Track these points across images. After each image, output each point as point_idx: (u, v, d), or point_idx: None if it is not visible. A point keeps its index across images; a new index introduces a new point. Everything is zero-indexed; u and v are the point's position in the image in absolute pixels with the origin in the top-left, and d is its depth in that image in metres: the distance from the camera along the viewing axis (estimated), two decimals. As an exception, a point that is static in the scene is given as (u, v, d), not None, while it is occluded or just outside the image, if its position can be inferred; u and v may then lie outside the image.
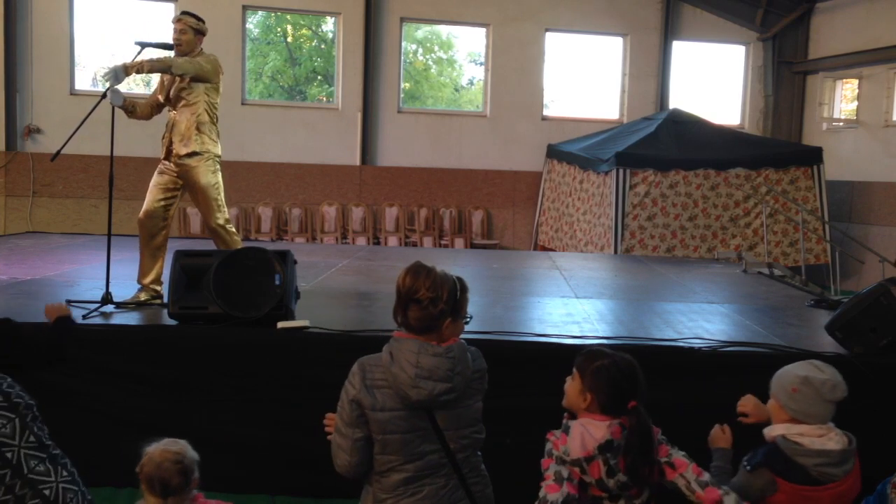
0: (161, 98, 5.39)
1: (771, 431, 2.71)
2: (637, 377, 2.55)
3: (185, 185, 5.35)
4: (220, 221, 5.38)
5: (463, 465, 2.42)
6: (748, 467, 2.67)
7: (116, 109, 5.07)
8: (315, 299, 5.53)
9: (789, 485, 2.60)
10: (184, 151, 5.24)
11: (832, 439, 2.64)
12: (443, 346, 2.38)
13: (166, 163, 5.33)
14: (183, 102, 5.27)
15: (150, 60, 5.04)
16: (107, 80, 4.91)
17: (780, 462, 2.62)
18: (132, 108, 5.29)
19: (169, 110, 5.40)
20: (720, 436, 2.96)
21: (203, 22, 5.35)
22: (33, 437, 2.61)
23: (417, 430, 2.35)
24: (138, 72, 5.01)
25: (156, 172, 5.38)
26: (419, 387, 2.31)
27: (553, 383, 4.48)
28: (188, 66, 5.13)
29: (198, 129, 5.26)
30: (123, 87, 5.21)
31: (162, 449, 2.47)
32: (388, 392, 2.33)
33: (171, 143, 5.29)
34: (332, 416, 2.57)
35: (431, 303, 2.36)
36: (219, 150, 5.42)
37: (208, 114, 5.33)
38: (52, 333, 3.46)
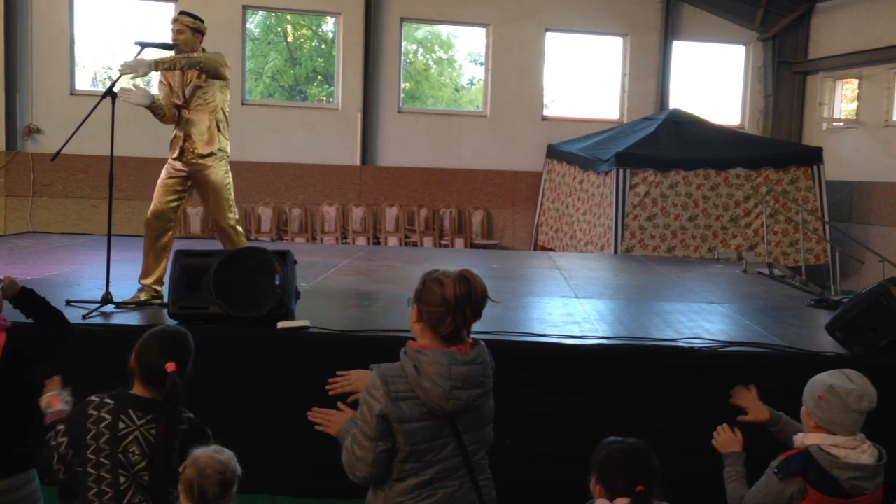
0: (177, 100, 5.32)
1: (805, 439, 2.70)
2: (637, 461, 2.38)
3: (196, 183, 5.36)
4: (231, 221, 5.43)
5: (474, 467, 2.41)
6: (780, 475, 2.65)
7: (116, 110, 5.04)
8: (315, 299, 5.53)
9: (819, 494, 2.60)
10: (206, 151, 5.26)
11: (865, 451, 2.63)
12: (470, 353, 2.37)
13: (176, 163, 5.31)
14: (199, 102, 5.28)
15: (185, 56, 5.08)
16: (126, 73, 4.95)
17: (814, 472, 2.61)
18: (162, 111, 5.26)
19: (178, 111, 5.33)
20: (732, 439, 2.95)
21: (201, 21, 5.33)
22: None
23: (441, 437, 2.34)
24: (170, 68, 5.05)
25: (164, 173, 5.37)
26: (456, 398, 2.30)
27: (553, 383, 4.51)
28: (213, 61, 5.18)
29: (217, 128, 5.32)
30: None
31: (208, 456, 2.44)
32: (414, 403, 2.30)
33: (184, 141, 5.27)
34: (319, 410, 2.55)
35: (483, 303, 2.37)
36: (229, 149, 5.48)
37: (223, 112, 5.38)
38: (41, 318, 3.09)
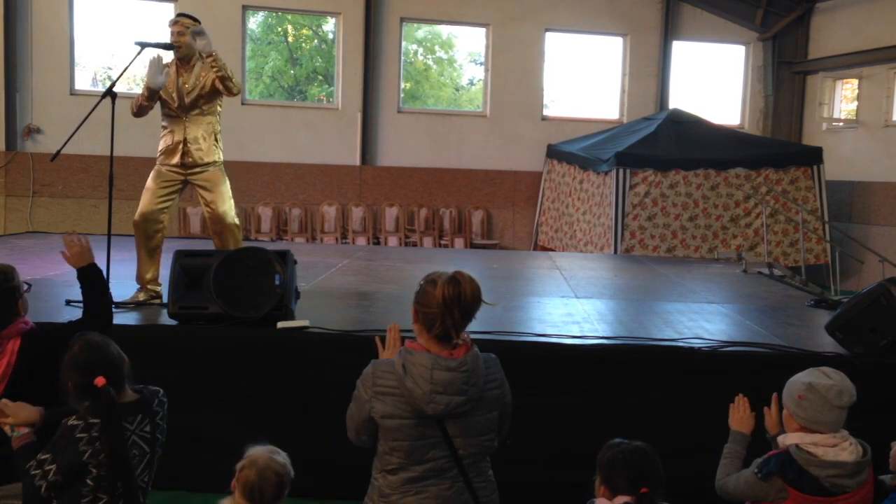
0: (173, 103, 5.29)
1: (785, 440, 2.70)
2: (642, 463, 2.42)
3: (197, 187, 5.40)
4: (236, 220, 5.50)
5: (470, 470, 2.41)
6: (759, 475, 2.66)
7: (116, 110, 5.03)
8: (315, 299, 5.53)
9: (799, 493, 2.59)
10: (208, 160, 5.33)
11: (846, 449, 2.61)
12: (456, 360, 2.36)
13: (174, 168, 5.31)
14: (198, 112, 5.30)
15: (226, 72, 5.22)
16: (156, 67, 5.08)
17: (792, 472, 2.61)
18: (151, 102, 5.27)
19: (173, 115, 5.32)
20: (745, 420, 2.96)
21: (199, 23, 5.34)
22: (147, 477, 2.67)
23: (427, 438, 2.35)
24: (216, 67, 5.15)
25: (153, 176, 5.34)
26: (435, 402, 2.31)
27: (553, 383, 4.51)
28: (237, 80, 5.39)
29: (217, 138, 5.43)
30: (123, 87, 5.20)
31: (268, 457, 2.50)
32: (398, 400, 2.33)
33: (185, 148, 5.27)
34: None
35: (474, 306, 2.37)
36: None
37: (218, 121, 5.47)
38: (93, 306, 3.18)
